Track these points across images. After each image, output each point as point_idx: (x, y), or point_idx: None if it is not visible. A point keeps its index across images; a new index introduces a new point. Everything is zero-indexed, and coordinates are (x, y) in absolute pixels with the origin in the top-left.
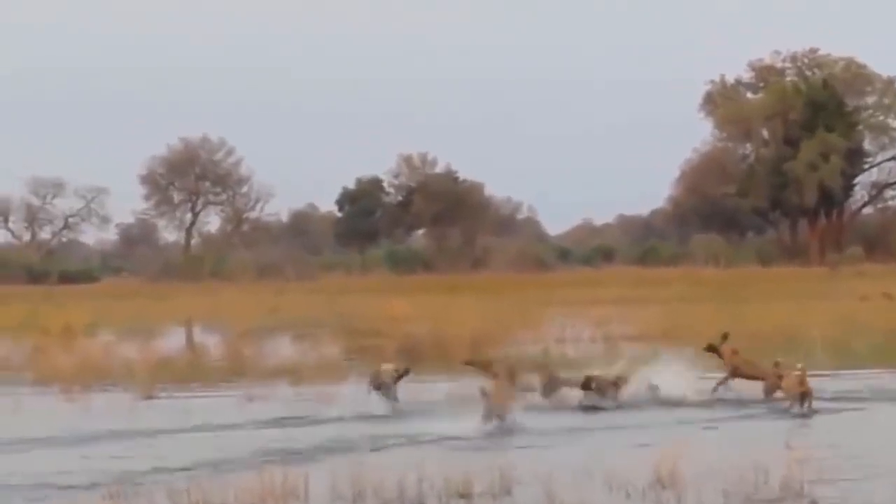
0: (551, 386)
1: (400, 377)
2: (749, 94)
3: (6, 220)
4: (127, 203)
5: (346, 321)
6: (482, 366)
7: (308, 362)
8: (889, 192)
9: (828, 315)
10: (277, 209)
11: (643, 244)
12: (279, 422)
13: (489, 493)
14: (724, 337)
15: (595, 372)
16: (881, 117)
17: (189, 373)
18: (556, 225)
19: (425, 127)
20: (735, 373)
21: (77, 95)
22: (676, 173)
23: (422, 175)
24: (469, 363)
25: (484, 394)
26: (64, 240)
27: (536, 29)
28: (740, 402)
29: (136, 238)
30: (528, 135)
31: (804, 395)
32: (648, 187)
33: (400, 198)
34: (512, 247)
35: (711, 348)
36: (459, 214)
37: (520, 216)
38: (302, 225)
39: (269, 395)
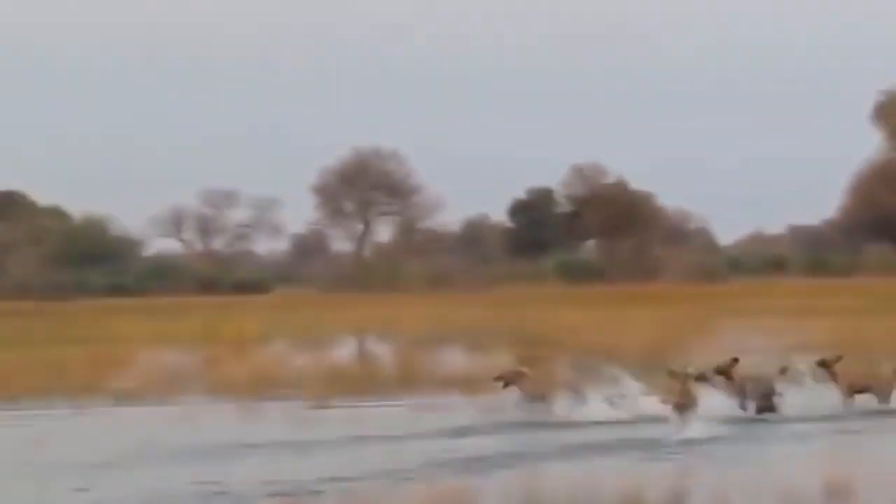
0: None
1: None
2: None
3: (179, 231)
4: (299, 213)
5: (517, 331)
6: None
7: (480, 372)
8: None
9: None
10: (449, 219)
11: (814, 254)
12: (451, 432)
13: None
14: (838, 358)
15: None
16: None
17: (361, 383)
18: (727, 235)
19: (597, 137)
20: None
21: (252, 107)
22: (848, 183)
23: (593, 185)
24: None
25: (672, 403)
26: (236, 250)
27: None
28: (869, 414)
29: (308, 248)
30: (698, 145)
31: None
32: (819, 197)
33: (571, 208)
34: (683, 257)
35: (823, 364)
36: (631, 225)
37: (691, 226)
38: (473, 235)
39: (441, 405)
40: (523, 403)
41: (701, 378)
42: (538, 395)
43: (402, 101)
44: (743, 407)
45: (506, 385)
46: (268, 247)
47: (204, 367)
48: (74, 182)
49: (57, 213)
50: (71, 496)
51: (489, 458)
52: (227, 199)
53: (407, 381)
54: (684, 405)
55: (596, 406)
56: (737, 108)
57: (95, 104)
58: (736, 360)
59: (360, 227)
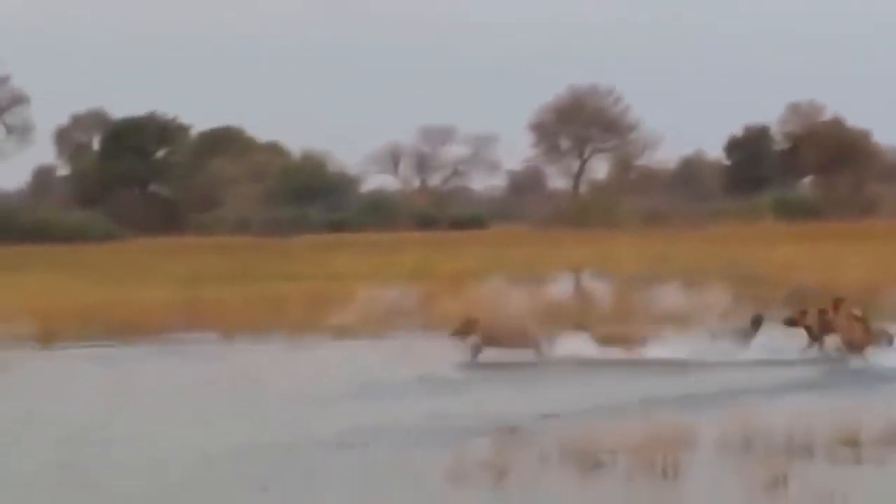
0: None
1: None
2: None
3: (396, 167)
4: (515, 151)
5: (733, 269)
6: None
7: (696, 310)
8: None
9: None
10: (666, 156)
11: None
12: (668, 368)
13: (878, 441)
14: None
15: None
16: None
17: (578, 319)
18: None
19: (812, 76)
20: None
21: (465, 46)
22: None
23: (810, 123)
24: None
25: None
26: (453, 186)
27: None
28: None
29: (525, 185)
30: None
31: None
32: None
33: (788, 145)
34: None
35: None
36: (847, 162)
37: None
38: (690, 172)
39: (658, 341)
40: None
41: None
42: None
43: (620, 39)
44: None
45: (463, 336)
46: (484, 184)
47: (420, 303)
48: (293, 118)
49: (275, 150)
50: (295, 430)
51: (705, 393)
52: (444, 135)
53: (623, 318)
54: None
55: None
56: None
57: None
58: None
59: (576, 164)
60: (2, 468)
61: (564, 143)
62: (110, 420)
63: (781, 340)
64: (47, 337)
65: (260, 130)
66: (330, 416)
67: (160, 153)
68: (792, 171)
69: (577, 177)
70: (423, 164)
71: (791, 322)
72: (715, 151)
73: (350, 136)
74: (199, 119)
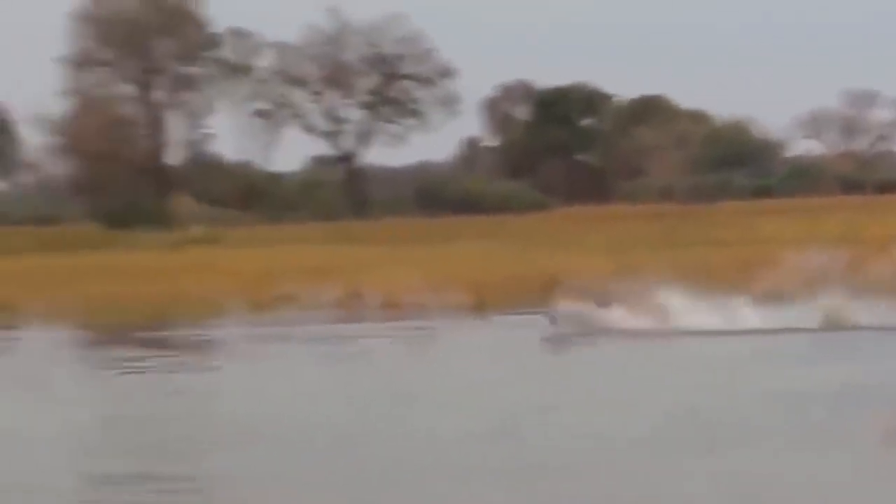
0: None
1: None
2: None
3: (820, 132)
4: None
5: None
6: None
7: None
8: None
9: None
10: None
11: None
12: None
13: None
14: None
15: None
16: None
17: None
18: None
19: None
20: None
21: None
22: None
23: None
24: None
25: None
26: (878, 150)
27: None
28: None
29: None
30: None
31: None
32: None
33: None
34: None
35: None
36: None
37: None
38: None
39: None
40: None
41: None
42: None
43: None
44: None
45: None
46: None
47: (847, 266)
48: (717, 86)
49: (699, 117)
50: None
51: None
52: (869, 99)
53: None
54: None
55: None
56: None
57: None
58: None
59: None
60: (452, 430)
61: None
62: (550, 394)
63: None
64: (480, 306)
65: (683, 98)
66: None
67: (586, 122)
68: None
69: None
70: (848, 127)
71: None
72: None
73: (775, 101)
74: (621, 89)
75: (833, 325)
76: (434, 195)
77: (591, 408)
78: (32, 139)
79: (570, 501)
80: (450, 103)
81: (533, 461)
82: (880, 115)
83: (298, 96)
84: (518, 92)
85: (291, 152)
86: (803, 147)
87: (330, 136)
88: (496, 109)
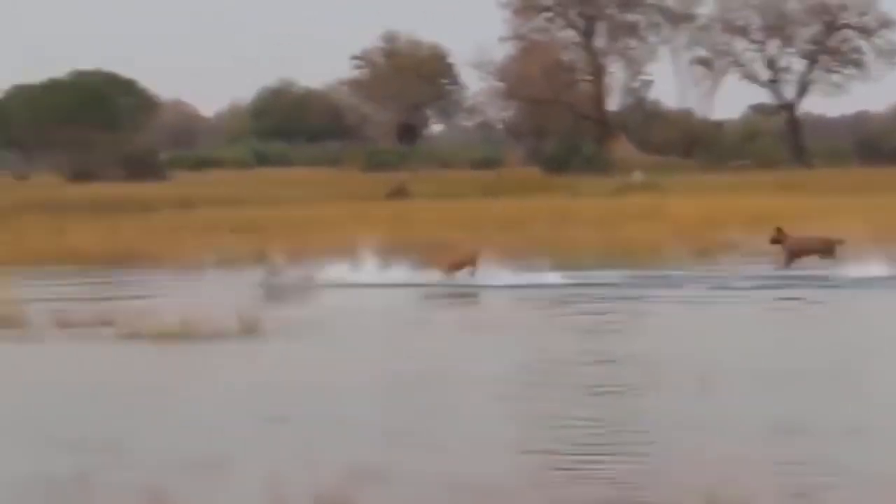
0: None
1: None
2: None
3: None
4: None
5: None
6: None
7: None
8: None
9: None
10: None
11: None
12: None
13: None
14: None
15: None
16: None
17: None
18: None
19: None
20: None
21: None
22: None
23: None
24: None
25: None
26: None
27: None
28: None
29: None
30: None
31: None
32: None
33: None
34: None
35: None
36: None
37: None
38: None
39: None
40: None
41: None
42: None
43: None
44: None
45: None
46: None
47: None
48: None
49: None
50: None
51: None
52: None
53: None
54: None
55: None
56: None
57: None
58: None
59: None
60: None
61: None
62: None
63: None
64: None
65: None
66: None
67: None
68: None
69: None
70: None
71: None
72: None
73: None
74: None
75: None
76: (873, 146)
77: None
78: (474, 84)
79: None
80: (889, 54)
81: None
82: None
83: (739, 45)
84: None
85: (730, 100)
86: None
87: (771, 84)
88: None
